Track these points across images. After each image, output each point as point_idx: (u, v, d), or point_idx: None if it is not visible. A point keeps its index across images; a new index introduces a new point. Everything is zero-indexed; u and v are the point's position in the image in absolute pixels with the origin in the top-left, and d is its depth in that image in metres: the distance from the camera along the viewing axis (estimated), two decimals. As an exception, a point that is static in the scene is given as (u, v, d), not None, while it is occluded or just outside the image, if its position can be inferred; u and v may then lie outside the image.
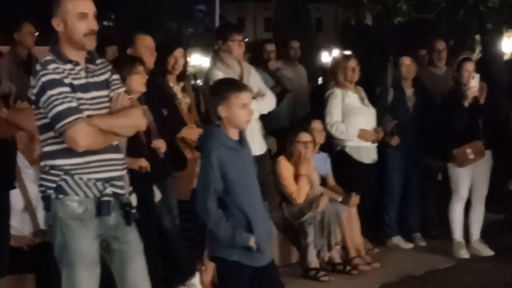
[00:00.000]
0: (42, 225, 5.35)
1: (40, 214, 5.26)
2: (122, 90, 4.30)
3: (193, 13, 39.97)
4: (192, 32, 38.79)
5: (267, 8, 47.73)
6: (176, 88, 6.58)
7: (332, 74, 7.97)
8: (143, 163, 5.46)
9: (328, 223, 7.07)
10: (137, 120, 4.28)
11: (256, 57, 8.39)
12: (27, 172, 5.55)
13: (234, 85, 4.65)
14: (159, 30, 30.31)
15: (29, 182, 5.53)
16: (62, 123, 4.00)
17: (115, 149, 4.26)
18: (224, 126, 4.55)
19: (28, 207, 5.56)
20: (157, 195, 5.79)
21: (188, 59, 7.24)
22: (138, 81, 5.41)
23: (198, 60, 33.01)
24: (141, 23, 28.56)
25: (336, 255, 7.23)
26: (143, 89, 5.44)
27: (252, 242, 4.45)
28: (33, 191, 5.37)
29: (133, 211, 4.29)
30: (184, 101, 6.63)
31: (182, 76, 6.64)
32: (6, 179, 4.97)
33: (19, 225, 5.48)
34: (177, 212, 6.10)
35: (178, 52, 6.50)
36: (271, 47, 8.54)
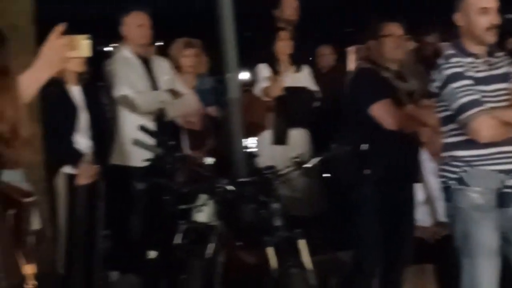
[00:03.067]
0: (442, 218, 5.44)
1: (440, 207, 5.33)
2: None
3: None
4: None
5: None
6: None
7: None
8: None
9: None
10: None
11: None
12: (428, 165, 5.67)
13: None
14: None
15: (430, 175, 5.64)
16: (465, 114, 4.06)
17: (513, 141, 4.22)
18: None
19: (429, 200, 5.68)
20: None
21: None
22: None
23: None
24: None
25: None
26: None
27: None
28: (433, 184, 5.47)
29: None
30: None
31: None
32: (413, 172, 5.15)
33: (421, 217, 5.62)
34: None
35: None
36: None
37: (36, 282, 2.89)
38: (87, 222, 5.42)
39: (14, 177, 3.51)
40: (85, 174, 5.35)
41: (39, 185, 4.53)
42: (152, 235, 5.25)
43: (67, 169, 5.34)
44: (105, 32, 6.76)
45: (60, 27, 3.30)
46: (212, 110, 6.72)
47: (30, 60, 4.65)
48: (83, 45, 3.31)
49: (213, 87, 7.00)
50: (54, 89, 4.95)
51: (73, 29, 3.42)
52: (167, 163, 4.63)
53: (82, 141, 5.43)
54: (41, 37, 4.85)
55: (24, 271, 2.88)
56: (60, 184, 5.31)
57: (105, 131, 5.79)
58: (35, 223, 3.64)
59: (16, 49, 4.49)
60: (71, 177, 5.35)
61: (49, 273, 4.63)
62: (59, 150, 5.26)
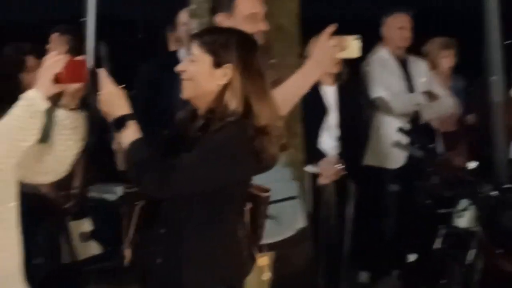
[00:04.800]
0: None
1: None
2: None
3: None
4: None
5: None
6: None
7: None
8: None
9: None
10: None
11: None
12: None
13: None
14: None
15: None
16: None
17: None
18: None
19: None
20: None
21: None
22: None
23: None
24: None
25: None
26: None
27: None
28: None
29: None
30: None
31: None
32: None
33: None
34: None
35: None
36: None
37: (270, 274, 2.95)
38: (335, 221, 5.47)
39: (284, 175, 3.62)
40: (326, 173, 5.39)
41: (301, 183, 4.59)
42: (411, 238, 5.21)
43: (310, 168, 5.42)
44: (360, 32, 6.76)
45: (331, 28, 3.34)
46: (469, 117, 6.59)
47: (296, 61, 4.78)
48: (353, 46, 3.32)
49: (464, 87, 6.86)
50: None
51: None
52: (427, 166, 4.58)
53: (328, 141, 5.47)
54: (304, 38, 4.97)
55: (259, 263, 2.94)
56: (306, 182, 5.39)
57: (359, 132, 5.81)
58: (301, 221, 3.72)
59: (282, 50, 4.65)
60: (314, 176, 5.42)
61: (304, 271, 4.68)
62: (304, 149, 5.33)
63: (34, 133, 2.69)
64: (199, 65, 2.82)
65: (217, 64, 2.80)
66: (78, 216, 5.15)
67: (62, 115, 2.83)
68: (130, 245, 2.92)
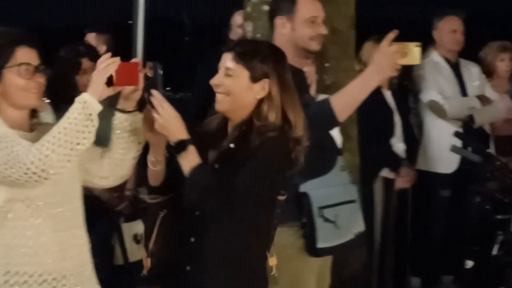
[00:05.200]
0: None
1: None
2: None
3: None
4: None
5: None
6: None
7: None
8: None
9: None
10: None
11: None
12: None
13: None
14: None
15: None
16: None
17: None
18: None
19: None
20: None
21: None
22: None
23: None
24: None
25: None
26: None
27: None
28: None
29: None
30: None
31: None
32: None
33: None
34: None
35: None
36: None
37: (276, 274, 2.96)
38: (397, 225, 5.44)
39: (342, 179, 3.60)
40: (405, 178, 5.36)
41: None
42: (468, 244, 5.16)
43: (385, 173, 5.38)
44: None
45: (392, 34, 3.32)
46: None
47: (351, 64, 4.75)
48: (414, 53, 3.30)
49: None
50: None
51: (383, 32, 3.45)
52: (485, 171, 4.53)
53: (398, 145, 5.44)
54: (358, 42, 4.94)
55: (269, 262, 2.95)
56: (378, 187, 5.36)
57: (411, 136, 5.77)
58: (359, 225, 3.69)
59: (336, 54, 4.62)
60: (388, 181, 5.39)
61: (360, 275, 4.64)
62: (379, 154, 5.29)
63: (89, 136, 2.68)
64: (236, 80, 2.82)
65: (255, 78, 2.80)
66: (131, 218, 5.18)
67: (120, 118, 2.84)
68: (151, 254, 2.94)
